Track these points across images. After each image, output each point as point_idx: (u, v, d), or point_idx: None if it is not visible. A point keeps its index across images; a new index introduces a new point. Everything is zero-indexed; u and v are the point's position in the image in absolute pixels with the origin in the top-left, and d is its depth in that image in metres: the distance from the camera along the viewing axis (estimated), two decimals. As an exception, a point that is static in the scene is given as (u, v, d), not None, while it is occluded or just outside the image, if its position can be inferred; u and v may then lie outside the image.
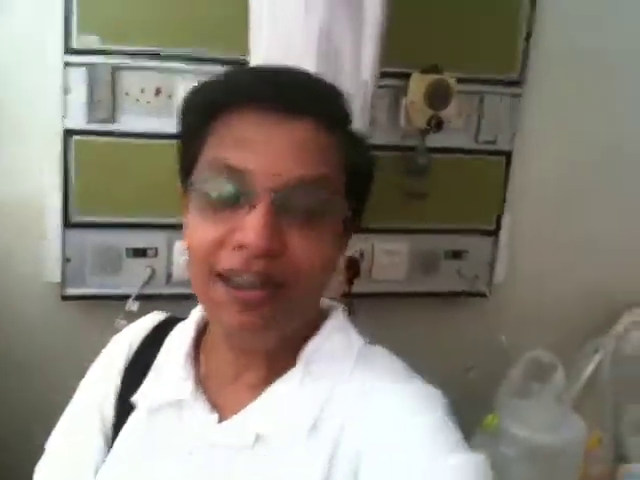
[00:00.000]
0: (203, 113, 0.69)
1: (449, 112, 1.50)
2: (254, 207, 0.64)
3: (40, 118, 1.42)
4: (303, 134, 0.66)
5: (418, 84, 1.48)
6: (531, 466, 1.16)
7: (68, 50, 1.39)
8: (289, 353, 0.72)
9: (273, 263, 0.64)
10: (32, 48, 1.40)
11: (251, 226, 0.63)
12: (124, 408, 0.78)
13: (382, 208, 1.57)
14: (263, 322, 0.66)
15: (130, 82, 1.42)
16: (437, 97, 1.46)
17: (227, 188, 0.65)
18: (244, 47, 1.25)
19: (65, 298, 1.49)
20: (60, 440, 0.81)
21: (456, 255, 1.71)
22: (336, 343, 0.74)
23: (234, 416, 0.70)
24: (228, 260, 0.65)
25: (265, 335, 0.69)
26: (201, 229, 0.66)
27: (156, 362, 0.80)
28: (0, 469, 1.52)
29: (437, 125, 1.48)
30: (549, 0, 1.63)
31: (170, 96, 1.43)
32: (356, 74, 1.08)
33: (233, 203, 0.65)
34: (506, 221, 1.73)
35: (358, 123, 0.96)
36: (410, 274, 1.69)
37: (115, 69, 1.41)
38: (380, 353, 0.76)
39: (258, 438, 0.68)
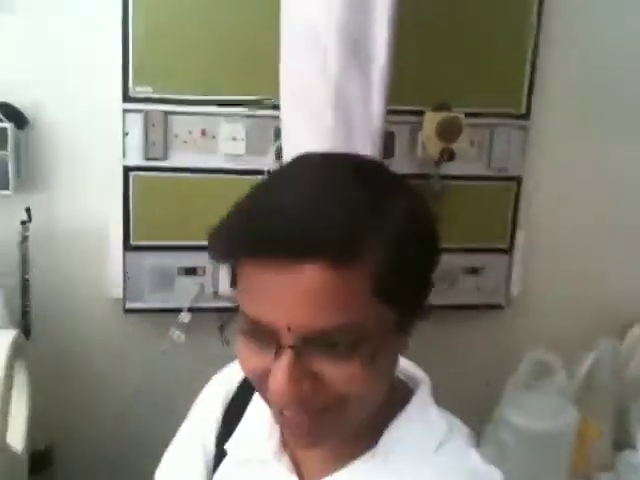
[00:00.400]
0: (222, 262, 0.68)
1: (460, 144, 1.67)
2: (279, 354, 0.62)
3: (104, 158, 1.66)
4: (314, 280, 0.60)
5: (430, 121, 1.66)
6: (527, 450, 1.31)
7: (126, 99, 1.62)
8: (367, 434, 0.72)
9: (310, 396, 0.63)
10: (96, 98, 1.64)
11: (276, 379, 0.62)
12: (219, 453, 0.81)
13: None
14: (311, 440, 0.68)
15: (179, 125, 1.64)
16: (448, 132, 1.64)
17: (255, 334, 0.64)
18: (277, 91, 1.46)
19: (127, 311, 1.72)
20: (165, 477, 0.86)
21: (474, 271, 1.88)
22: (417, 431, 0.73)
23: None
24: (270, 397, 0.65)
25: (319, 447, 0.71)
26: (244, 355, 0.67)
27: (247, 412, 0.81)
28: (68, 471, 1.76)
29: (449, 156, 1.66)
30: (553, 36, 1.79)
31: (214, 136, 1.65)
32: (367, 124, 1.27)
33: (265, 344, 0.64)
34: (519, 239, 1.89)
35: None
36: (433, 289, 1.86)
37: (166, 114, 1.63)
38: (457, 445, 0.74)
39: None
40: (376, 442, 0.72)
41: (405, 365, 0.78)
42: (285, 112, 1.42)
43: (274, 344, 0.62)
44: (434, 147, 1.68)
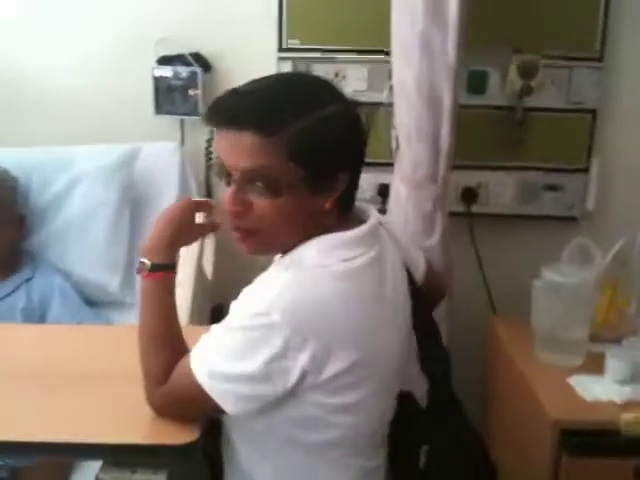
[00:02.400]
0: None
1: (537, 81, 2.10)
2: (230, 185, 1.06)
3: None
4: (247, 141, 1.00)
5: (514, 62, 2.09)
6: (552, 297, 1.75)
7: (280, 49, 2.20)
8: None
9: (242, 219, 1.06)
10: (259, 49, 2.22)
11: (226, 197, 1.06)
12: None
13: (495, 151, 2.23)
14: (247, 250, 1.11)
15: (318, 69, 2.17)
16: (526, 72, 2.07)
17: (222, 173, 1.08)
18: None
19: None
20: None
21: (553, 188, 2.29)
22: (293, 256, 1.09)
23: None
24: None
25: (257, 255, 1.13)
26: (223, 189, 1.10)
27: None
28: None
29: (527, 91, 2.09)
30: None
31: (344, 77, 2.18)
32: (444, 61, 1.74)
33: (227, 180, 1.07)
34: (594, 164, 2.26)
35: (448, 94, 1.63)
36: (517, 201, 2.30)
37: (309, 61, 2.19)
38: (287, 274, 1.04)
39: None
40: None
41: (366, 213, 1.17)
42: (393, 57, 1.92)
43: (228, 180, 1.06)
44: (516, 84, 2.11)
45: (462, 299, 2.15)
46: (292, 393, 1.04)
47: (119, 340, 1.42)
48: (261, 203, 1.03)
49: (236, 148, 1.01)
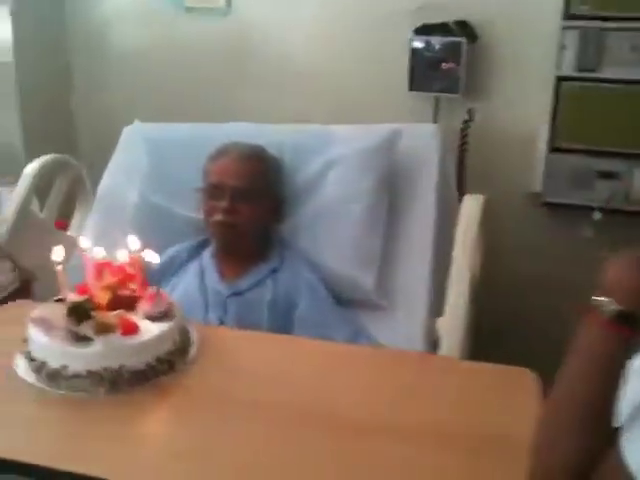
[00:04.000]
0: None
1: None
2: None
3: (539, 70, 1.92)
4: None
5: None
6: None
7: (566, 16, 1.85)
8: None
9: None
10: (538, 17, 1.90)
11: None
12: None
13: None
14: None
15: (612, 41, 1.82)
16: None
17: None
18: None
19: (544, 204, 1.99)
20: None
21: None
22: None
23: None
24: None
25: None
26: None
27: None
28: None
29: None
30: None
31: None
32: None
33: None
34: None
35: None
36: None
37: (602, 32, 1.82)
38: None
39: None
40: None
41: None
42: None
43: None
44: None
45: None
46: None
47: (408, 373, 1.12)
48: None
49: None
